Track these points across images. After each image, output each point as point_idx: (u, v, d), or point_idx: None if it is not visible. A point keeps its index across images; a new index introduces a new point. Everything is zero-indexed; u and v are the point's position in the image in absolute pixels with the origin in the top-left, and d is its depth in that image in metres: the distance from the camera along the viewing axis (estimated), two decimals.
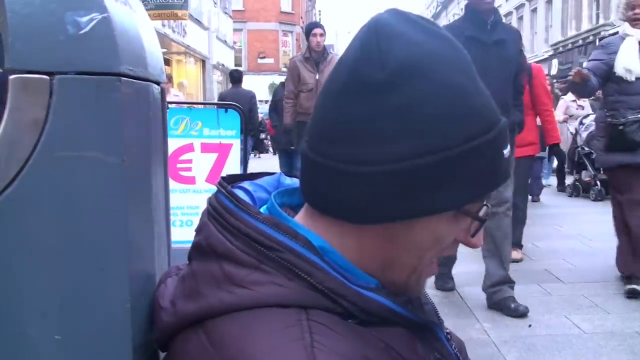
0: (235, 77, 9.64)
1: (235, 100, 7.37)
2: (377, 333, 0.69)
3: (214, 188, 0.78)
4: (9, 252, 0.69)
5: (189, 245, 0.78)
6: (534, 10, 31.99)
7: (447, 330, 0.86)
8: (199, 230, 0.76)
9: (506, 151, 0.70)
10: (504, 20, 4.49)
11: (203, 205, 0.77)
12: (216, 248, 0.71)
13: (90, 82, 0.70)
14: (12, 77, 0.68)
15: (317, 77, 6.26)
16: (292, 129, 6.46)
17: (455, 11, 49.64)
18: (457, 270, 4.56)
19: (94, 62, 0.70)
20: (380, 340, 0.69)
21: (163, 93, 0.91)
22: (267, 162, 14.70)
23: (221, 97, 10.10)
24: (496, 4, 4.79)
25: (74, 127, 0.70)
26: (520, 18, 33.55)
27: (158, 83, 0.87)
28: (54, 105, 0.69)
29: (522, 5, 33.14)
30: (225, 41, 26.31)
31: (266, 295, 0.67)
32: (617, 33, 4.31)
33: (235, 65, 28.12)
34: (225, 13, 26.29)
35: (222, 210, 0.73)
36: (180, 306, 0.72)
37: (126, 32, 0.75)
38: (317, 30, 6.36)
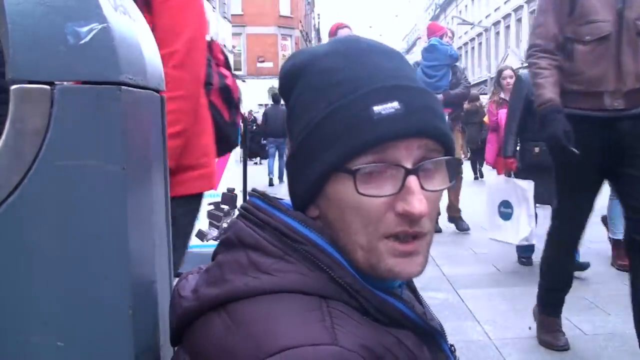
0: (275, 98, 13.21)
1: (275, 114, 12.14)
2: (389, 330, 0.73)
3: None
4: (11, 260, 0.70)
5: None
6: (533, 12, 32.08)
7: (451, 344, 0.88)
8: (227, 229, 0.80)
9: (379, 108, 0.72)
10: (501, 22, 4.45)
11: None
12: (244, 239, 0.76)
13: (91, 92, 0.71)
14: (13, 87, 0.69)
15: (622, 8, 2.52)
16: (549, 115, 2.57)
17: (454, 13, 49.75)
18: (456, 273, 4.57)
19: (94, 71, 0.71)
20: (392, 335, 0.72)
21: (162, 101, 0.92)
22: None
23: (264, 112, 13.76)
24: (494, 7, 4.81)
25: (75, 136, 0.71)
26: (519, 20, 33.64)
27: (157, 91, 0.88)
28: (54, 115, 0.70)
29: (521, 7, 33.24)
30: (225, 45, 26.34)
31: (290, 282, 0.71)
32: None
33: (235, 69, 28.08)
34: (224, 17, 26.34)
35: (252, 209, 0.79)
36: (203, 291, 0.75)
37: (126, 41, 0.76)
38: None
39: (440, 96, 6.13)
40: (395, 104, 0.72)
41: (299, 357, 0.63)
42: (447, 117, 5.71)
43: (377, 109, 0.72)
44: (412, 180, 0.72)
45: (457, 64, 6.90)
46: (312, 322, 0.67)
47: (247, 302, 0.70)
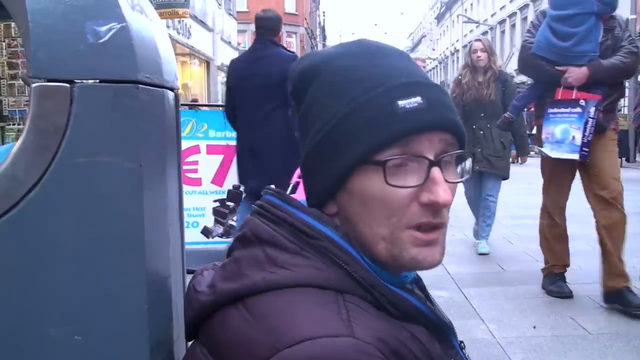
0: None
1: None
2: (403, 324, 0.75)
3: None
4: (30, 255, 0.72)
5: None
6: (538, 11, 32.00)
7: (461, 340, 0.89)
8: (243, 226, 0.81)
9: (403, 102, 0.74)
10: (507, 21, 4.30)
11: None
12: (261, 235, 0.78)
13: (109, 90, 0.72)
14: (34, 85, 0.71)
15: None
16: None
17: (459, 11, 49.61)
18: (461, 271, 4.57)
19: (112, 70, 0.72)
20: (406, 329, 0.74)
21: (177, 99, 0.93)
22: None
23: None
24: (500, 5, 4.71)
25: (93, 134, 0.72)
26: (525, 19, 33.54)
27: (173, 89, 0.89)
28: (74, 113, 0.71)
29: (527, 5, 33.14)
30: (230, 42, 26.35)
31: (306, 276, 0.73)
32: None
33: None
34: (230, 14, 26.34)
35: (268, 206, 0.81)
36: (220, 286, 0.76)
37: (143, 40, 0.77)
38: None
39: (583, 69, 3.52)
40: (418, 99, 0.75)
41: (317, 349, 0.65)
42: (594, 109, 3.49)
43: (401, 103, 0.74)
44: (436, 172, 0.75)
45: (621, 16, 3.88)
46: (329, 314, 0.69)
47: (264, 296, 0.72)
